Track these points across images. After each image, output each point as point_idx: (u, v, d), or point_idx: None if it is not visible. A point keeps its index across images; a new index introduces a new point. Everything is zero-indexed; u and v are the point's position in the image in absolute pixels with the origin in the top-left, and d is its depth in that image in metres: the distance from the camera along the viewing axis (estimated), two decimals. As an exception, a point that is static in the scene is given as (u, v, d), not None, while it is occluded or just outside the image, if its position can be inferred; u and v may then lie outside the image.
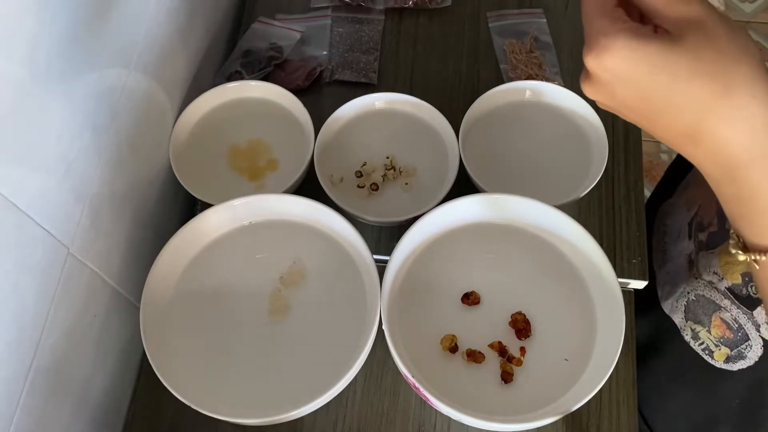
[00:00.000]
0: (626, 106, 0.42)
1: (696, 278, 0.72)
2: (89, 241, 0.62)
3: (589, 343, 0.66)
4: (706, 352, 0.72)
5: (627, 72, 0.40)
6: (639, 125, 0.44)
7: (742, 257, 0.43)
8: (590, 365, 0.65)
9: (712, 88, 0.39)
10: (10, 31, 0.47)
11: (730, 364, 0.71)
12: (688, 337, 0.74)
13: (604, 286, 0.66)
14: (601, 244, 0.66)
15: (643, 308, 0.77)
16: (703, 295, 0.71)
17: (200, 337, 0.68)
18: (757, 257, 0.42)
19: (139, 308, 0.66)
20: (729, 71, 0.39)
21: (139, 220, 0.73)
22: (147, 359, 0.63)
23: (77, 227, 0.60)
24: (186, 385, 0.63)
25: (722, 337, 0.70)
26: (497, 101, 0.82)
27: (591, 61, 0.40)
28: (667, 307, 0.77)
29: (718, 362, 0.72)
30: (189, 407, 0.61)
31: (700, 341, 0.73)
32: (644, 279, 0.77)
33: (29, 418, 0.56)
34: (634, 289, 0.78)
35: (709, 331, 0.71)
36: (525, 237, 0.72)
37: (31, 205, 0.53)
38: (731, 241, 0.44)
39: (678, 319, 0.75)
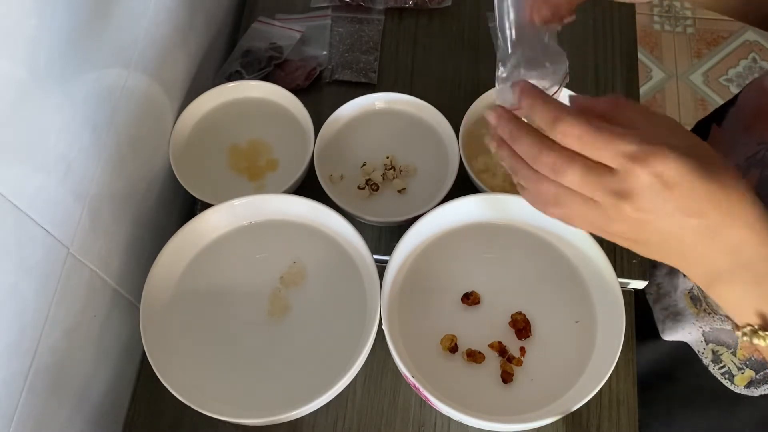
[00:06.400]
0: (664, 215, 0.41)
1: (709, 314, 0.70)
2: (89, 241, 0.62)
3: (589, 343, 0.66)
4: (726, 376, 0.71)
5: (679, 176, 0.40)
6: (659, 251, 0.44)
7: None
8: (590, 365, 0.65)
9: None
10: (10, 31, 0.47)
11: (752, 389, 0.69)
12: (707, 361, 0.72)
13: (604, 286, 0.66)
14: (601, 244, 0.66)
15: (642, 338, 0.76)
16: (722, 328, 0.69)
17: (200, 337, 0.68)
18: None
19: (139, 308, 0.66)
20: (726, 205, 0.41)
21: (139, 220, 0.73)
22: (147, 359, 0.63)
23: (77, 227, 0.60)
24: (186, 385, 0.63)
25: (749, 359, 0.69)
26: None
27: (640, 169, 0.40)
28: (674, 336, 0.75)
29: (738, 387, 0.70)
30: (189, 407, 0.61)
31: (721, 364, 0.71)
32: (644, 279, 0.77)
33: (29, 418, 0.56)
34: (634, 289, 0.78)
35: (734, 353, 0.69)
36: (525, 237, 0.72)
37: (31, 205, 0.52)
38: (746, 339, 0.44)
39: (696, 343, 0.73)
